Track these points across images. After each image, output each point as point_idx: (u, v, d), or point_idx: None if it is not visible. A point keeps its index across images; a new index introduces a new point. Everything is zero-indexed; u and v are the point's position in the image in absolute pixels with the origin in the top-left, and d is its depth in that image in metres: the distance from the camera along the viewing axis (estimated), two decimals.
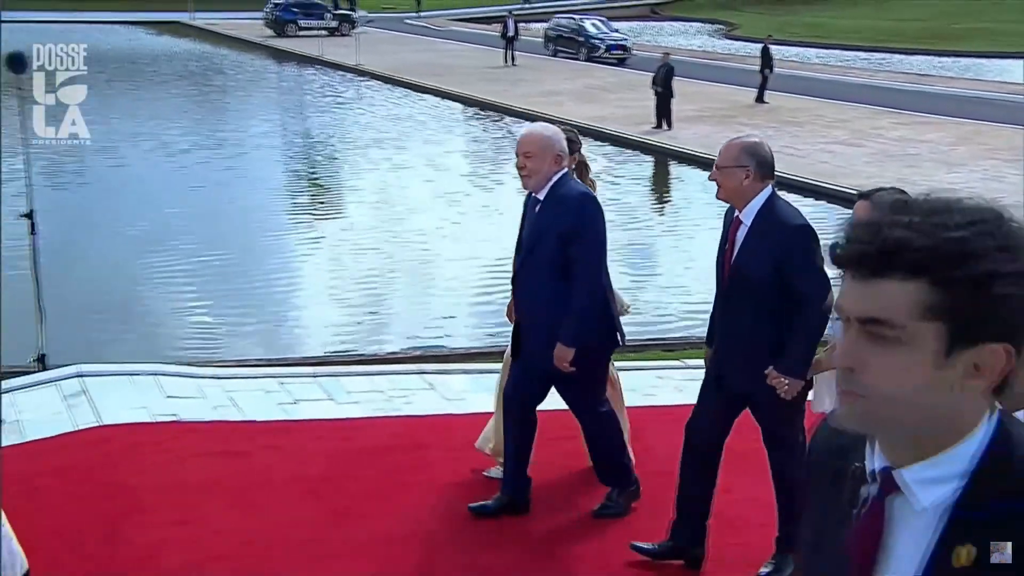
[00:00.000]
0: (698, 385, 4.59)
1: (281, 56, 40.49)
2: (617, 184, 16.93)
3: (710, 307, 4.53)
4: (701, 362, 4.76)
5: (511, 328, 5.07)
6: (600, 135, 20.79)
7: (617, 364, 5.61)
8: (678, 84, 21.83)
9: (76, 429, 5.99)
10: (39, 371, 6.93)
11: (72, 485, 5.28)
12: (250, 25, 49.22)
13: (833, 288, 2.48)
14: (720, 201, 4.31)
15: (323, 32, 45.88)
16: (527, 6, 60.61)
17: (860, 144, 19.68)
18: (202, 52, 43.22)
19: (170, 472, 5.46)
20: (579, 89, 28.21)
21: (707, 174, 4.38)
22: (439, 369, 7.38)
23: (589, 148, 7.64)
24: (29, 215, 7.21)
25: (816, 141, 19.89)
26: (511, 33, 35.20)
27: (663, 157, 19.59)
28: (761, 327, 4.17)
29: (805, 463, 1.53)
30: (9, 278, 8.50)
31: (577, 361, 4.66)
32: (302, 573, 4.55)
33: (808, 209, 9.73)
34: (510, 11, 44.25)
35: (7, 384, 6.42)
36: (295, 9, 47.48)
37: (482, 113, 25.72)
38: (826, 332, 4.10)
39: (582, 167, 5.29)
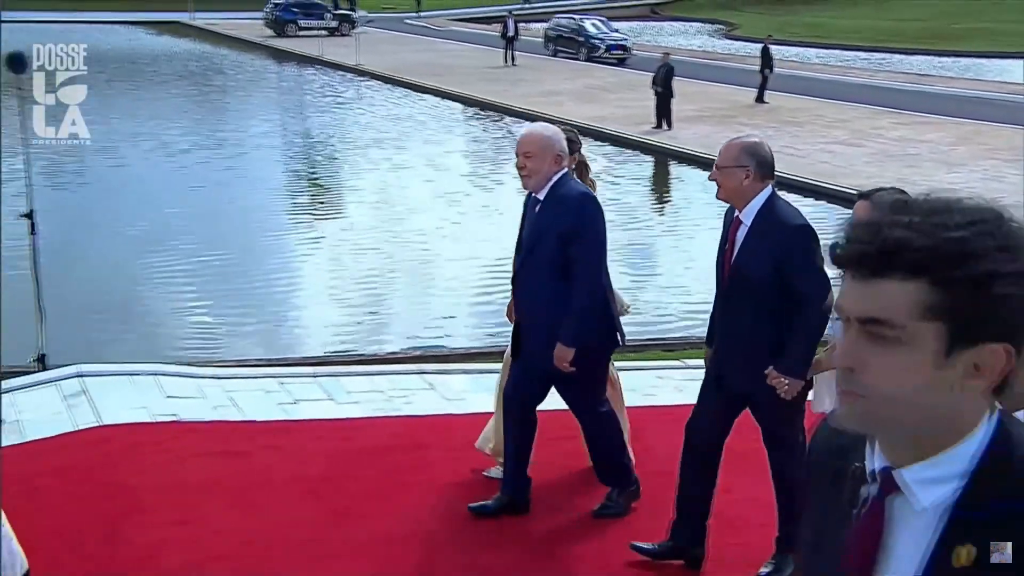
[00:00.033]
0: (698, 385, 4.59)
1: (281, 56, 40.49)
2: (617, 184, 16.92)
3: (710, 307, 4.53)
4: (701, 362, 4.76)
5: (511, 328, 5.07)
6: (600, 135, 20.78)
7: (617, 364, 5.61)
8: (678, 84, 21.83)
9: (76, 429, 5.99)
10: (39, 371, 6.93)
11: (72, 485, 5.28)
12: (250, 25, 49.23)
13: (833, 288, 2.48)
14: (720, 201, 4.31)
15: (323, 32, 45.89)
16: (527, 6, 60.60)
17: (860, 144, 19.68)
18: (202, 52, 43.22)
19: (170, 472, 5.46)
20: (579, 89, 28.20)
21: (707, 174, 4.38)
22: (439, 369, 7.38)
23: (589, 148, 7.64)
24: (29, 215, 7.21)
25: (816, 141, 19.88)
26: (511, 33, 35.20)
27: (663, 157, 19.58)
28: (761, 327, 4.17)
29: (805, 463, 1.53)
30: (9, 278, 8.50)
31: (577, 361, 4.66)
32: (302, 573, 4.54)
33: (808, 209, 9.72)
34: (510, 11, 44.25)
35: (7, 384, 6.42)
36: (295, 9, 47.49)
37: (482, 113, 25.72)
38: (826, 332, 4.10)
39: (582, 167, 5.29)
